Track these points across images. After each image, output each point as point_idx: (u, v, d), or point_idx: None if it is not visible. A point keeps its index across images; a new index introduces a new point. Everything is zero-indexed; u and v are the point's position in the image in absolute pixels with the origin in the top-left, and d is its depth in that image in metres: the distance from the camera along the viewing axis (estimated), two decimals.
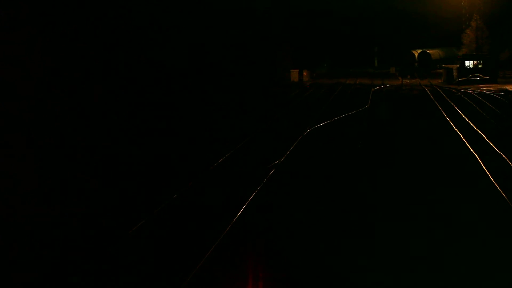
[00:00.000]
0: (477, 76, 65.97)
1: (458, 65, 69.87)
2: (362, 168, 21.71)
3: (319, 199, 17.60)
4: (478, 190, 18.14)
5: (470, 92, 53.12)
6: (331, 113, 38.07)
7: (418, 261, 12.60)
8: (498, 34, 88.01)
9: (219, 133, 30.81)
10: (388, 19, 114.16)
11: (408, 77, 79.28)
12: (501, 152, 22.94)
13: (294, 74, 77.91)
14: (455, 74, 68.57)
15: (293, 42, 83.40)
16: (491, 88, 56.67)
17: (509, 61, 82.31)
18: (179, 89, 43.30)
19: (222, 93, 51.51)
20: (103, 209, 16.97)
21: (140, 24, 36.71)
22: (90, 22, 30.13)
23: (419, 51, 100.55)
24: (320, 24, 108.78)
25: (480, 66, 67.35)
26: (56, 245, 14.01)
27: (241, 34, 60.01)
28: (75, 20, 28.56)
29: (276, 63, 72.50)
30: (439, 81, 71.74)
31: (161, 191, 18.40)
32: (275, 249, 13.56)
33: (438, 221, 15.29)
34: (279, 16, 75.73)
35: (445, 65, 77.98)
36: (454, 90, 56.17)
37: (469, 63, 68.04)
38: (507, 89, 54.54)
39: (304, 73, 79.24)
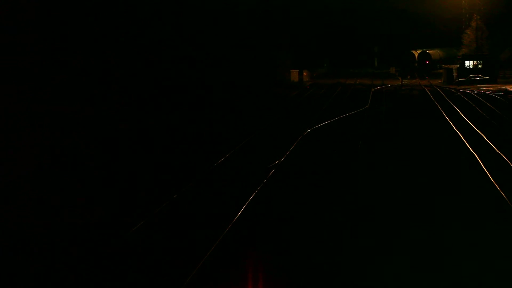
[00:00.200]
0: (477, 76, 66.00)
1: (458, 65, 69.90)
2: (362, 168, 21.72)
3: (319, 200, 17.60)
4: (478, 191, 18.15)
5: (470, 92, 53.13)
6: (331, 113, 38.08)
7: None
8: (498, 34, 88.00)
9: (218, 133, 30.81)
10: (388, 19, 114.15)
11: (408, 77, 79.34)
12: (501, 153, 22.95)
13: (294, 74, 77.91)
14: (455, 74, 68.62)
15: (293, 42, 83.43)
16: (491, 88, 56.68)
17: (509, 61, 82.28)
18: (179, 89, 43.29)
19: (222, 93, 51.50)
20: (103, 209, 16.98)
21: (140, 23, 36.72)
22: (89, 21, 30.17)
23: (419, 51, 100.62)
24: (320, 24, 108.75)
25: (480, 66, 67.37)
26: (55, 245, 14.03)
27: (241, 34, 60.02)
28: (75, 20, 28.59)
29: (276, 63, 72.53)
30: (439, 81, 71.79)
31: (161, 191, 18.40)
32: (275, 249, 13.57)
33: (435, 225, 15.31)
34: (279, 16, 75.73)
35: (445, 65, 78.04)
36: (454, 90, 56.19)
37: (469, 63, 68.07)
38: (507, 89, 54.56)
39: (304, 73, 79.25)
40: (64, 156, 24.52)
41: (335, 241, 13.96)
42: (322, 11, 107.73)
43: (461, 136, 27.39)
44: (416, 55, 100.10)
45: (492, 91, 53.62)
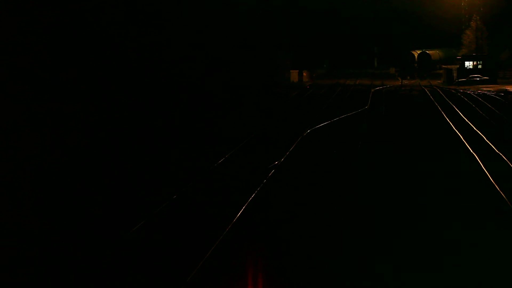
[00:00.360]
0: (477, 76, 65.98)
1: (458, 66, 69.87)
2: (362, 168, 21.72)
3: (319, 200, 17.61)
4: (478, 192, 18.17)
5: (469, 93, 53.14)
6: (331, 113, 38.09)
7: None
8: (497, 34, 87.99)
9: (218, 133, 30.82)
10: (388, 19, 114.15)
11: (408, 77, 79.31)
12: (500, 153, 22.96)
13: (294, 75, 77.90)
14: (454, 74, 68.57)
15: (293, 43, 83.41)
16: (491, 89, 56.68)
17: (509, 62, 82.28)
18: (178, 89, 43.30)
19: (221, 93, 51.50)
20: (103, 209, 16.99)
21: (140, 23, 36.72)
22: (89, 20, 30.17)
23: (419, 52, 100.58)
24: (320, 24, 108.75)
25: (480, 66, 67.35)
26: (55, 245, 14.03)
27: (241, 35, 60.02)
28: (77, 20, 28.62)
29: (276, 64, 72.52)
30: (439, 81, 71.77)
31: (161, 191, 18.41)
32: (275, 249, 13.58)
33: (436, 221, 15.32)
34: (279, 16, 75.72)
35: (444, 66, 78.01)
36: (453, 91, 56.20)
37: (468, 64, 68.03)
38: (506, 89, 54.55)
39: (304, 74, 79.23)
40: (64, 156, 24.51)
41: (335, 241, 13.96)
42: (322, 11, 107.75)
43: (461, 137, 27.40)
44: (416, 56, 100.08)
45: (492, 91, 53.61)
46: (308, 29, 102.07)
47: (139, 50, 36.36)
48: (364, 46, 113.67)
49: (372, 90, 58.34)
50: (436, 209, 16.51)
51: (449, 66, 73.80)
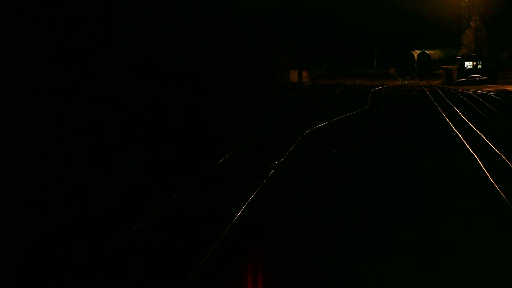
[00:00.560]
0: (477, 76, 65.98)
1: (457, 66, 69.88)
2: (362, 168, 21.74)
3: (319, 200, 17.62)
4: (478, 192, 18.19)
5: (469, 93, 53.15)
6: (331, 113, 38.11)
7: None
8: (497, 34, 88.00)
9: (218, 133, 30.83)
10: (388, 19, 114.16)
11: (408, 77, 79.32)
12: (500, 153, 22.98)
13: (294, 75, 77.91)
14: (454, 74, 68.57)
15: (293, 43, 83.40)
16: (491, 89, 56.69)
17: (509, 62, 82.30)
18: (178, 90, 43.29)
19: (221, 93, 51.50)
20: (103, 209, 17.00)
21: (139, 24, 36.72)
22: (94, 20, 30.18)
23: (418, 52, 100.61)
24: (320, 24, 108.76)
25: (479, 66, 67.37)
26: (55, 245, 14.04)
27: (241, 35, 60.02)
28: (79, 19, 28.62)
29: (276, 64, 72.53)
30: (439, 81, 71.78)
31: (161, 192, 18.42)
32: (275, 249, 13.59)
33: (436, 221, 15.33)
34: (279, 16, 75.73)
35: (444, 66, 78.03)
36: (453, 91, 56.21)
37: (468, 64, 68.06)
38: (506, 89, 54.57)
39: (304, 74, 79.24)
40: (64, 156, 24.52)
41: (335, 241, 13.97)
42: (322, 11, 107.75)
43: (461, 137, 27.42)
44: (416, 56, 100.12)
45: (492, 91, 53.63)
46: (308, 29, 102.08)
47: (138, 50, 36.36)
48: (364, 46, 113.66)
49: (372, 90, 58.35)
50: (436, 209, 16.52)
51: (448, 66, 73.82)
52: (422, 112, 39.27)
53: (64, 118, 27.04)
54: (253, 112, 40.88)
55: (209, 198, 17.96)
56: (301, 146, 26.53)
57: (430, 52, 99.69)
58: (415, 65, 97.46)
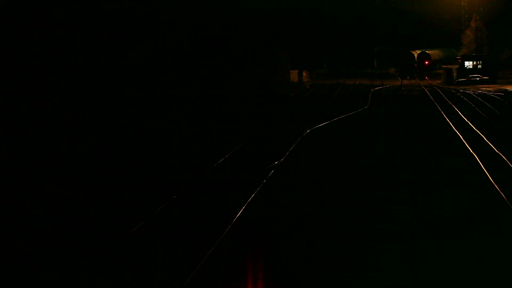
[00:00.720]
0: (477, 76, 66.00)
1: (457, 66, 69.90)
2: (362, 169, 21.74)
3: (318, 200, 17.62)
4: (478, 191, 18.21)
5: (469, 93, 53.16)
6: (331, 113, 38.12)
7: None
8: (497, 34, 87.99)
9: (218, 133, 30.84)
10: (388, 19, 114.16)
11: (408, 77, 79.34)
12: (500, 153, 22.99)
13: (294, 75, 77.91)
14: (454, 74, 68.59)
15: (293, 43, 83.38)
16: (491, 89, 56.69)
17: (509, 62, 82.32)
18: (178, 90, 43.29)
19: (221, 93, 51.50)
20: (103, 209, 17.00)
21: (139, 23, 36.73)
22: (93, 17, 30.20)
23: (418, 52, 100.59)
24: (320, 25, 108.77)
25: (479, 66, 67.38)
26: (55, 245, 14.04)
27: (241, 35, 60.03)
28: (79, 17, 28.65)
29: (276, 64, 72.49)
30: (439, 81, 71.79)
31: (161, 192, 18.43)
32: (275, 249, 13.59)
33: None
34: (279, 16, 75.70)
35: (444, 66, 78.02)
36: (453, 91, 56.22)
37: (468, 64, 68.08)
38: (506, 89, 54.57)
39: (304, 74, 79.24)
40: (64, 156, 24.54)
41: (334, 243, 13.97)
42: (322, 11, 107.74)
43: (461, 137, 27.42)
44: (416, 56, 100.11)
45: (492, 91, 53.63)
46: (308, 29, 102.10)
47: (138, 50, 36.37)
48: (364, 46, 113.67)
49: (372, 90, 58.36)
50: (435, 209, 16.53)
51: (449, 66, 73.81)
52: (422, 112, 39.26)
53: (64, 118, 27.07)
54: (253, 112, 40.88)
55: (209, 198, 17.94)
56: (301, 146, 26.52)
57: (430, 52, 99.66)
58: (415, 65, 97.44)
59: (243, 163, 22.85)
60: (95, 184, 20.05)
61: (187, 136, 30.01)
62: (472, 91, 54.76)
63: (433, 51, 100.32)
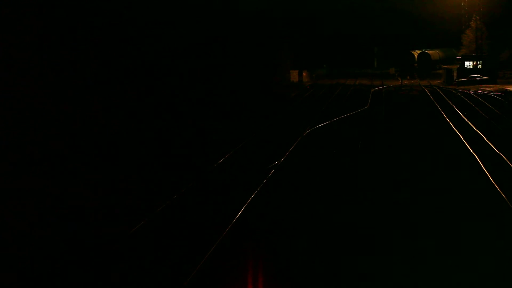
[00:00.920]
0: (477, 76, 65.97)
1: (457, 66, 69.86)
2: (362, 169, 21.74)
3: (318, 200, 17.62)
4: (478, 190, 18.20)
5: (469, 93, 53.15)
6: (331, 113, 38.10)
7: None
8: (497, 34, 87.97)
9: (218, 133, 30.83)
10: (388, 19, 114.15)
11: (408, 77, 79.30)
12: (500, 153, 22.98)
13: (294, 75, 77.91)
14: (454, 74, 68.55)
15: (293, 43, 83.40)
16: (491, 89, 56.67)
17: (509, 62, 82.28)
18: (178, 90, 43.29)
19: (222, 94, 51.51)
20: (103, 209, 17.00)
21: (139, 23, 36.72)
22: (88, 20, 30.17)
23: (418, 52, 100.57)
24: (320, 25, 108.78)
25: (479, 66, 67.35)
26: (55, 245, 14.04)
27: (241, 35, 60.03)
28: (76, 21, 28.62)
29: (276, 64, 72.51)
30: (439, 81, 71.75)
31: (161, 192, 18.43)
32: (275, 249, 13.59)
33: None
34: (279, 16, 75.71)
35: (444, 66, 77.99)
36: (453, 91, 56.21)
37: (468, 64, 68.04)
38: (506, 89, 54.54)
39: (304, 74, 79.22)
40: (64, 156, 24.53)
41: (334, 243, 13.97)
42: (322, 11, 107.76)
43: (461, 137, 27.41)
44: (416, 56, 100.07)
45: (492, 91, 53.63)
46: (308, 29, 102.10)
47: (138, 50, 36.34)
48: (364, 46, 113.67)
49: (372, 90, 58.35)
50: (434, 210, 16.53)
51: (449, 66, 73.78)
52: (422, 112, 39.24)
53: (64, 119, 27.06)
54: (253, 112, 40.87)
55: (210, 198, 17.95)
56: (301, 146, 26.52)
57: (430, 52, 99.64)
58: (416, 65, 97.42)
59: (244, 163, 22.86)
60: (95, 184, 20.06)
61: (187, 136, 30.01)
62: (472, 91, 54.75)
63: (433, 51, 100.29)
